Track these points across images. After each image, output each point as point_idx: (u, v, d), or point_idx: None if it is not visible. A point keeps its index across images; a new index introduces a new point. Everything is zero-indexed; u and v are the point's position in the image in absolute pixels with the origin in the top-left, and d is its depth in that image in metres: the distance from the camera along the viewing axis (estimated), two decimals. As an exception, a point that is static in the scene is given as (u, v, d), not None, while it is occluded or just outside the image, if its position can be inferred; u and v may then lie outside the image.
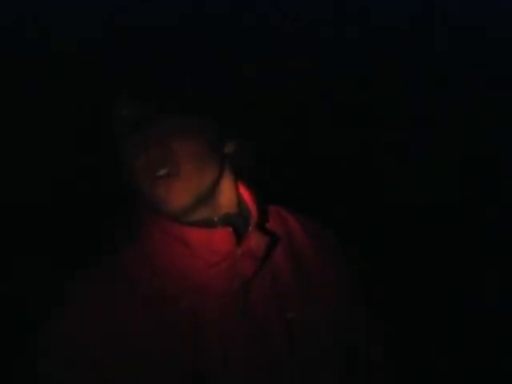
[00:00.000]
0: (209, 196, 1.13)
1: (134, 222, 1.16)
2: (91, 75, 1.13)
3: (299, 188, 2.21)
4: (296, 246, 1.21)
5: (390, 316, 1.28)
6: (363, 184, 2.45)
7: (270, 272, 1.14)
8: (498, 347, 2.22)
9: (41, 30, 2.10)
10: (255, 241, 1.12)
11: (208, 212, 1.14)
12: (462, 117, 2.59)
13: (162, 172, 1.09)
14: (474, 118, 2.59)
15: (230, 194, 1.17)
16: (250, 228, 1.14)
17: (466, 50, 2.57)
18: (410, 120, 2.58)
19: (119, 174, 1.13)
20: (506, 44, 2.54)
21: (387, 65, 2.56)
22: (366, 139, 2.49)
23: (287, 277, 1.16)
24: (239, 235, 1.13)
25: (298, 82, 2.32)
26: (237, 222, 1.15)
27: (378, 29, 2.50)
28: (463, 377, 2.16)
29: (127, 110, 1.09)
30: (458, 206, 2.46)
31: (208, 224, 1.13)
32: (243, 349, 1.08)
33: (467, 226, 2.44)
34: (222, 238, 1.11)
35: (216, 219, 1.14)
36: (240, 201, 1.19)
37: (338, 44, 2.48)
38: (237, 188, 1.19)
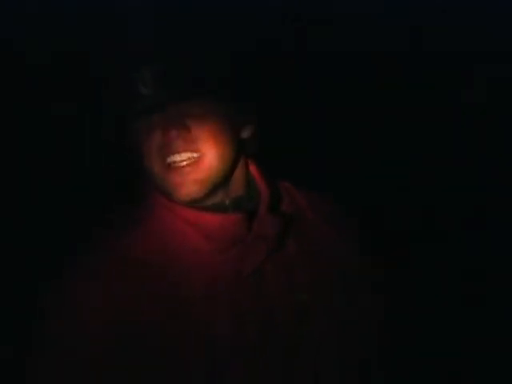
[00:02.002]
0: (224, 182, 1.11)
1: (145, 204, 1.14)
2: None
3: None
4: (306, 225, 1.19)
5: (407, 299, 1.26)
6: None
7: (281, 255, 1.13)
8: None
9: (41, 30, 2.10)
10: (266, 225, 1.11)
11: (220, 196, 1.12)
12: (461, 117, 2.58)
13: (180, 157, 1.05)
14: (474, 117, 2.59)
15: (241, 177, 1.15)
16: (261, 212, 1.12)
17: (466, 50, 2.57)
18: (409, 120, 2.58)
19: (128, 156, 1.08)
20: (505, 44, 2.54)
21: (387, 65, 2.56)
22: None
23: (298, 259, 1.15)
24: (250, 219, 1.11)
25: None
26: (248, 206, 1.13)
27: (378, 29, 2.50)
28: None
29: (147, 88, 1.03)
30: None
31: (219, 208, 1.11)
32: (254, 333, 1.07)
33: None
34: (233, 222, 1.09)
35: (227, 203, 1.12)
36: (250, 182, 1.17)
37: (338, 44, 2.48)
38: (247, 169, 1.17)
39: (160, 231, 1.10)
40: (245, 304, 1.09)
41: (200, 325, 1.06)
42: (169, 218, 1.11)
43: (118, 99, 1.06)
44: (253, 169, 1.18)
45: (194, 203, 1.09)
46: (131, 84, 1.04)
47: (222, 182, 1.10)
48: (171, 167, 1.05)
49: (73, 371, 1.04)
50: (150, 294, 1.06)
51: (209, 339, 1.06)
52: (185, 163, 1.05)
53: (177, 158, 1.05)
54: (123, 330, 1.04)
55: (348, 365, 1.14)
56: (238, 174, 1.14)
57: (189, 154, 1.05)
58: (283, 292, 1.11)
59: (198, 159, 1.05)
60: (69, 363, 1.04)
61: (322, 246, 1.18)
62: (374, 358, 1.19)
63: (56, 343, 1.05)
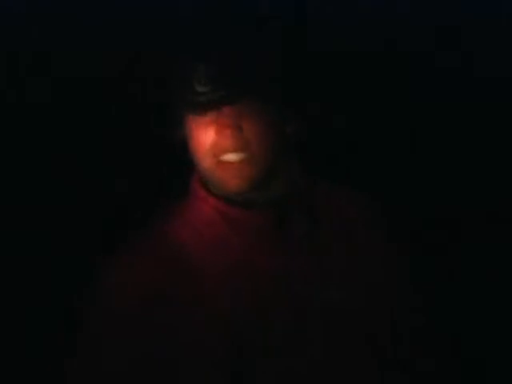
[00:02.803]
0: (267, 177, 1.13)
1: (187, 196, 1.17)
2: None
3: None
4: (343, 224, 1.20)
5: (442, 301, 1.26)
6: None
7: (313, 255, 1.14)
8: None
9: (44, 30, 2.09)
10: (295, 224, 1.13)
11: (259, 193, 1.13)
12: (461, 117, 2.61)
13: (231, 157, 1.08)
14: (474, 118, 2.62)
15: (284, 174, 1.16)
16: (296, 210, 1.14)
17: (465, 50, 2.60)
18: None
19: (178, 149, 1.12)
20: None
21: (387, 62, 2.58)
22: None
23: (332, 258, 1.15)
24: (284, 217, 1.13)
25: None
26: (283, 203, 1.14)
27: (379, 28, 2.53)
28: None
29: (202, 87, 1.06)
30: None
31: (255, 204, 1.13)
32: (281, 329, 1.08)
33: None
34: (260, 218, 1.11)
35: (261, 200, 1.13)
36: (292, 179, 1.18)
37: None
38: (290, 165, 1.18)
39: (196, 221, 1.14)
40: (269, 301, 1.09)
41: (226, 316, 1.07)
42: (205, 209, 1.14)
43: (175, 95, 1.11)
44: (296, 166, 1.20)
45: (237, 197, 1.12)
46: (188, 82, 1.08)
47: (266, 177, 1.12)
48: (222, 163, 1.08)
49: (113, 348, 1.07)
50: (184, 280, 1.08)
51: (235, 330, 1.07)
52: (235, 161, 1.08)
53: (228, 156, 1.08)
54: (158, 311, 1.07)
55: (372, 365, 1.15)
56: (282, 171, 1.16)
57: (240, 154, 1.08)
58: (311, 291, 1.12)
59: (248, 158, 1.08)
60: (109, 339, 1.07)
61: (357, 247, 1.19)
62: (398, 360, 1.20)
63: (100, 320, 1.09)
